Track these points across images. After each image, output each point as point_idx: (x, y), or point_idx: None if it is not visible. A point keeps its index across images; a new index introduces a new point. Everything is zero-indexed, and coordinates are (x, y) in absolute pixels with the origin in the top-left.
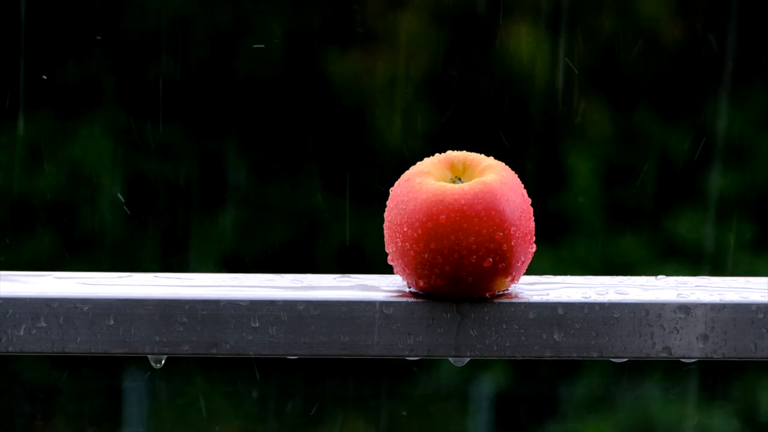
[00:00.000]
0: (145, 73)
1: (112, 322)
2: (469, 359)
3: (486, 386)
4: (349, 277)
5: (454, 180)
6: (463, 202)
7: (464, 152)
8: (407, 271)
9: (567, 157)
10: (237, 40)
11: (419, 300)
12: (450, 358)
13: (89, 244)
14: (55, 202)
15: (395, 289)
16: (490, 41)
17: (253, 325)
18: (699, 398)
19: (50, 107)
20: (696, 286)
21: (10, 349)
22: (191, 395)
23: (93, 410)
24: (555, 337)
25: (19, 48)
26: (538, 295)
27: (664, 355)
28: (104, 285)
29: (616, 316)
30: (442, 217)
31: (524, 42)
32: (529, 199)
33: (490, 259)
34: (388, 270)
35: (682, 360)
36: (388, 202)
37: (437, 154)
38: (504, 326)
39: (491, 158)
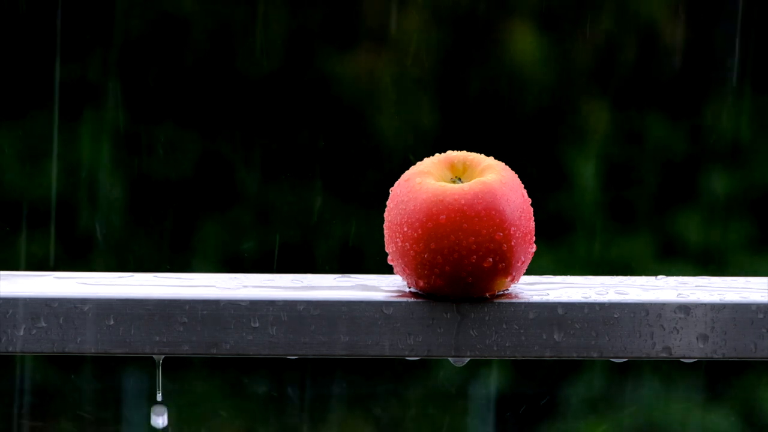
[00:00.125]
0: (145, 72)
1: (112, 322)
2: (469, 359)
3: (486, 386)
4: (349, 277)
5: (454, 180)
6: (463, 202)
7: (464, 152)
8: (407, 271)
9: (567, 157)
10: (237, 39)
11: (419, 300)
12: (450, 358)
13: (89, 244)
14: (55, 202)
15: (395, 289)
16: (490, 41)
17: (253, 325)
18: (699, 398)
19: (50, 107)
20: (696, 286)
21: (10, 349)
22: (191, 395)
23: (93, 410)
24: (555, 337)
25: (19, 48)
26: (538, 295)
27: (664, 355)
28: (104, 285)
29: (616, 316)
30: (442, 217)
31: (525, 42)
32: (529, 199)
33: (490, 259)
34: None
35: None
36: (388, 202)
37: (437, 154)
38: (504, 326)
39: (491, 158)
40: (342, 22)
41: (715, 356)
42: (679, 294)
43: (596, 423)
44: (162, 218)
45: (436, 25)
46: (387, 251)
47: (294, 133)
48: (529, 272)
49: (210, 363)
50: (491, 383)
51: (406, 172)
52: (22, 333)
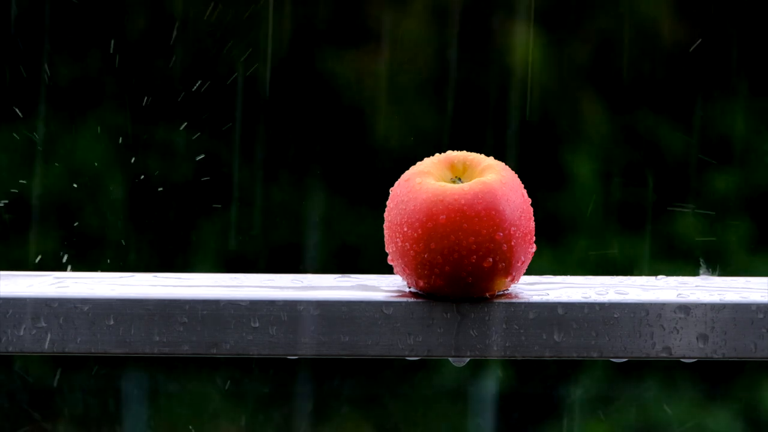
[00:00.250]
0: (145, 72)
1: (112, 322)
2: (469, 359)
3: (486, 386)
4: (349, 277)
5: (454, 180)
6: (463, 202)
7: (464, 152)
8: (407, 271)
9: (567, 157)
10: (237, 39)
11: (419, 300)
12: (450, 358)
13: (89, 244)
14: (56, 202)
15: (395, 289)
16: (490, 41)
17: (253, 325)
18: (699, 398)
19: (50, 107)
20: (696, 286)
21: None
22: (191, 395)
23: (93, 410)
24: (555, 337)
25: (19, 48)
26: (538, 295)
27: (664, 355)
28: (104, 285)
29: (616, 316)
30: (442, 217)
31: (524, 42)
32: (529, 199)
33: (490, 259)
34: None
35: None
36: (388, 202)
37: (437, 154)
38: (504, 326)
39: (491, 158)
40: (342, 22)
41: (715, 356)
42: (679, 294)
43: (596, 423)
44: (162, 218)
45: (436, 25)
46: (387, 251)
47: (294, 133)
48: (529, 272)
49: (210, 363)
50: (491, 383)
51: (406, 172)
52: (22, 333)
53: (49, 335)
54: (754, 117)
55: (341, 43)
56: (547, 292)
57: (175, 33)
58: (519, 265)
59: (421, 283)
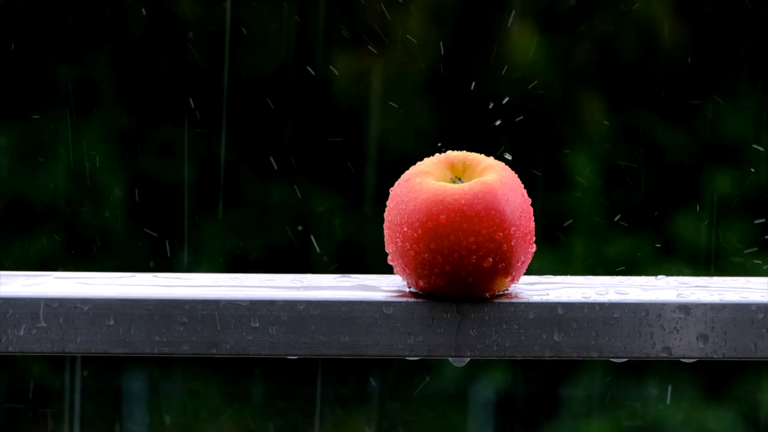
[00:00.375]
0: (145, 72)
1: (112, 322)
2: (469, 359)
3: (486, 386)
4: (349, 277)
5: (454, 180)
6: (463, 202)
7: (464, 152)
8: (407, 271)
9: (567, 157)
10: (237, 39)
11: (419, 300)
12: (450, 358)
13: (89, 244)
14: (56, 202)
15: (395, 289)
16: (490, 41)
17: (253, 325)
18: (699, 398)
19: (50, 107)
20: (696, 286)
21: (10, 349)
22: (191, 395)
23: (93, 410)
24: (555, 337)
25: (19, 47)
26: (538, 295)
27: (664, 355)
28: (104, 285)
29: (616, 316)
30: (442, 217)
31: (524, 42)
32: (529, 199)
33: (490, 259)
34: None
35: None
36: (388, 202)
37: (437, 154)
38: (504, 326)
39: (491, 158)
40: (342, 22)
41: (715, 356)
42: (679, 294)
43: (596, 423)
44: (162, 218)
45: (436, 25)
46: (387, 251)
47: (294, 133)
48: (529, 272)
49: (210, 363)
50: (491, 383)
51: (406, 172)
52: (22, 333)
53: (49, 335)
54: (754, 117)
55: (341, 43)
56: (547, 292)
57: (176, 33)
58: (519, 265)
59: (421, 283)
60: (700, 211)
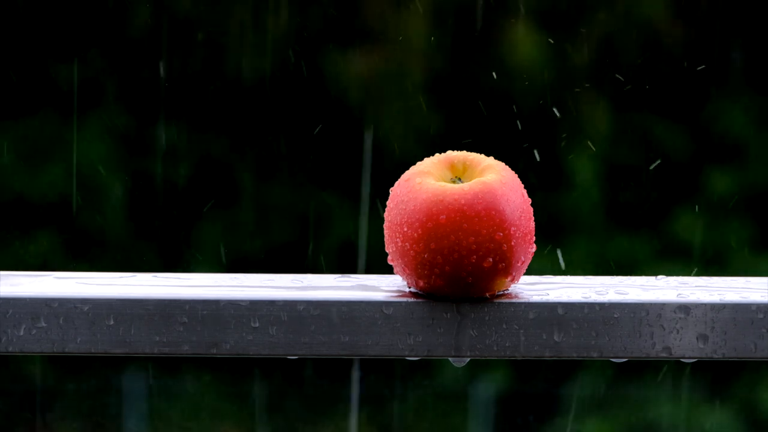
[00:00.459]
0: (145, 72)
1: (112, 322)
2: (469, 359)
3: (486, 386)
4: (349, 277)
5: (454, 180)
6: (463, 202)
7: (464, 152)
8: (407, 271)
9: (567, 157)
10: (237, 39)
11: (419, 300)
12: (450, 358)
13: (89, 244)
14: (56, 202)
15: (395, 289)
16: (490, 41)
17: (253, 325)
18: (699, 398)
19: (50, 107)
20: (696, 286)
21: (10, 349)
22: (191, 395)
23: (93, 410)
24: (555, 337)
25: (19, 47)
26: (538, 295)
27: (664, 355)
28: (104, 285)
29: (616, 316)
30: (442, 217)
31: (525, 41)
32: (529, 199)
33: (490, 259)
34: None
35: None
36: (388, 202)
37: (437, 154)
38: (504, 326)
39: (491, 158)
40: (342, 22)
41: (715, 356)
42: (679, 294)
43: (596, 423)
44: (162, 218)
45: (436, 25)
46: (387, 251)
47: (294, 133)
48: (529, 272)
49: (210, 363)
50: (491, 383)
51: (406, 172)
52: (22, 333)
53: (49, 335)
54: (755, 117)
55: (341, 43)
56: (547, 292)
57: (175, 33)
58: (519, 265)
59: (421, 283)
60: (700, 211)
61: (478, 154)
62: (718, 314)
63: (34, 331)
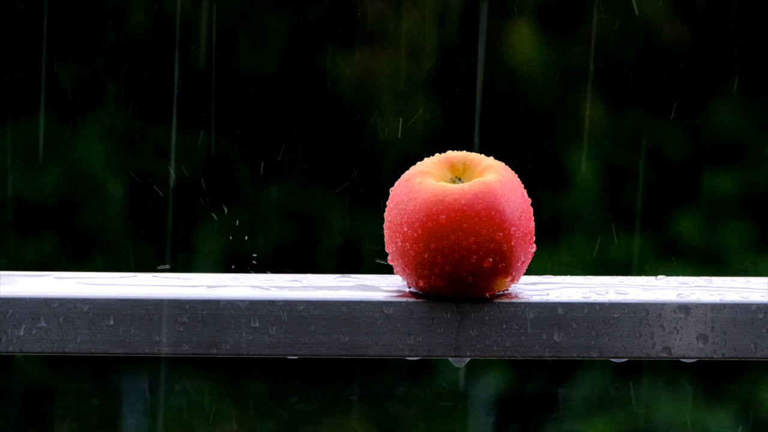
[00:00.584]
0: (145, 72)
1: (112, 322)
2: (469, 359)
3: (486, 386)
4: (349, 277)
5: (454, 180)
6: (463, 202)
7: (464, 152)
8: (407, 271)
9: (567, 157)
10: (237, 39)
11: (419, 300)
12: (450, 358)
13: (89, 244)
14: (55, 202)
15: (395, 289)
16: (490, 41)
17: (253, 325)
18: (699, 398)
19: (50, 107)
20: (696, 286)
21: (10, 349)
22: (191, 395)
23: (93, 410)
24: (555, 337)
25: (19, 47)
26: (538, 295)
27: (664, 355)
28: (104, 285)
29: (616, 316)
30: (442, 217)
31: (524, 41)
32: (529, 199)
33: (490, 259)
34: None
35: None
36: (388, 202)
37: (437, 154)
38: (504, 326)
39: (491, 158)
40: (342, 21)
41: (715, 356)
42: (679, 294)
43: (596, 423)
44: (162, 218)
45: (437, 25)
46: (387, 251)
47: (294, 133)
48: (529, 272)
49: (210, 363)
50: (491, 383)
51: (406, 172)
52: (22, 333)
53: (49, 335)
54: (754, 117)
55: (341, 43)
56: (547, 292)
57: (175, 33)
58: (519, 265)
59: (421, 283)
60: (700, 210)
61: (478, 154)
62: (718, 314)
63: (34, 331)
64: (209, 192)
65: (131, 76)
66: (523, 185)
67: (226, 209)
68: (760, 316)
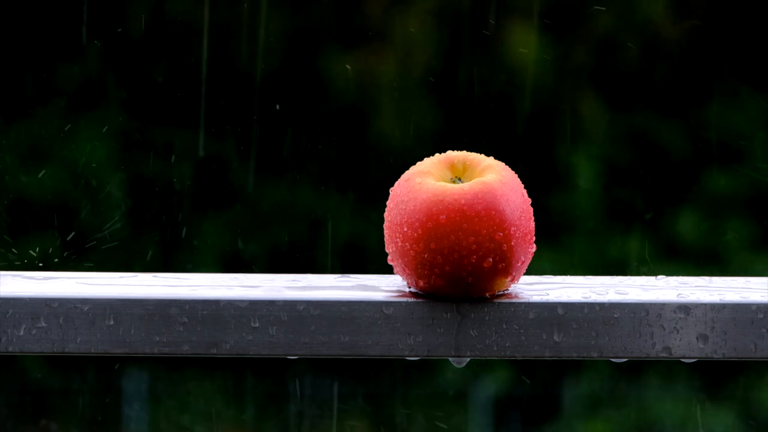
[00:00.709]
0: (145, 72)
1: (112, 322)
2: (469, 359)
3: (486, 386)
4: (349, 277)
5: (454, 180)
6: (463, 202)
7: (464, 152)
8: (407, 271)
9: (567, 157)
10: (237, 39)
11: (419, 300)
12: (450, 358)
13: (89, 244)
14: (55, 202)
15: (395, 289)
16: (490, 41)
17: (253, 325)
18: (699, 398)
19: (50, 107)
20: (696, 286)
21: (10, 349)
22: (191, 395)
23: (93, 410)
24: (555, 337)
25: (19, 47)
26: (538, 295)
27: (664, 355)
28: (104, 285)
29: (616, 316)
30: (442, 217)
31: (524, 42)
32: (529, 199)
33: (490, 259)
34: (388, 270)
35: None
36: (388, 202)
37: (437, 154)
38: (504, 326)
39: (491, 158)
40: (343, 22)
41: (715, 356)
42: (679, 294)
43: (596, 423)
44: (162, 218)
45: (437, 25)
46: (387, 251)
47: (294, 133)
48: (529, 272)
49: (210, 363)
50: (491, 383)
51: (406, 172)
52: (22, 333)
53: (49, 335)
54: (753, 116)
55: (341, 43)
56: (547, 292)
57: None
58: (519, 265)
59: (421, 283)
60: (699, 210)
61: (478, 154)
62: (718, 314)
63: (34, 331)
64: (209, 192)
65: (131, 76)
66: (523, 185)
67: (225, 209)
68: (760, 316)
